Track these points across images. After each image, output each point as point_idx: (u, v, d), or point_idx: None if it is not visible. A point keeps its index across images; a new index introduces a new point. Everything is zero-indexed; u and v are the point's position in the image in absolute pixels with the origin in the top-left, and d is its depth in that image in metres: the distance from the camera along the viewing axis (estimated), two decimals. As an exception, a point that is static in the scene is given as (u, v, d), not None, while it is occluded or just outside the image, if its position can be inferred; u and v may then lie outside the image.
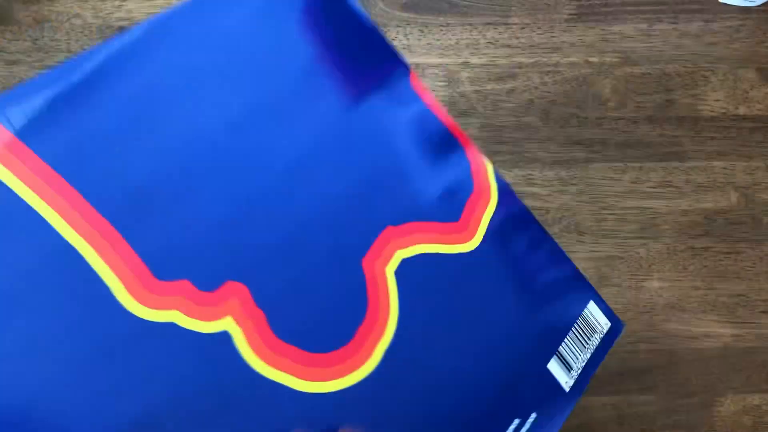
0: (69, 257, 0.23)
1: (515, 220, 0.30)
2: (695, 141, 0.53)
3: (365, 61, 0.28)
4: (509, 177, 0.52)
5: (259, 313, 0.25)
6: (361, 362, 0.26)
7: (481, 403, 0.28)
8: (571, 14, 0.53)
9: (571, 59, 0.53)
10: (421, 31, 0.52)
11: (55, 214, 0.23)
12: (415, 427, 0.27)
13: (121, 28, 0.52)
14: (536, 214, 0.52)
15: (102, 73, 0.24)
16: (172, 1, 0.52)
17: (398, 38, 0.52)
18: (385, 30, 0.52)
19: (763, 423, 0.52)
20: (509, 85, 0.52)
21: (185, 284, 0.24)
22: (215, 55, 0.25)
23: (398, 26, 0.52)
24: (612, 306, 0.52)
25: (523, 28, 0.53)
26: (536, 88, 0.52)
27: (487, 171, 0.30)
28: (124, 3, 0.52)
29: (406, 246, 0.28)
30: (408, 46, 0.52)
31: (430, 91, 0.52)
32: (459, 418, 0.28)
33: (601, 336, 0.32)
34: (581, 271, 0.52)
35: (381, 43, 0.28)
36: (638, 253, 0.52)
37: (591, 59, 0.53)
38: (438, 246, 0.28)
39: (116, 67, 0.24)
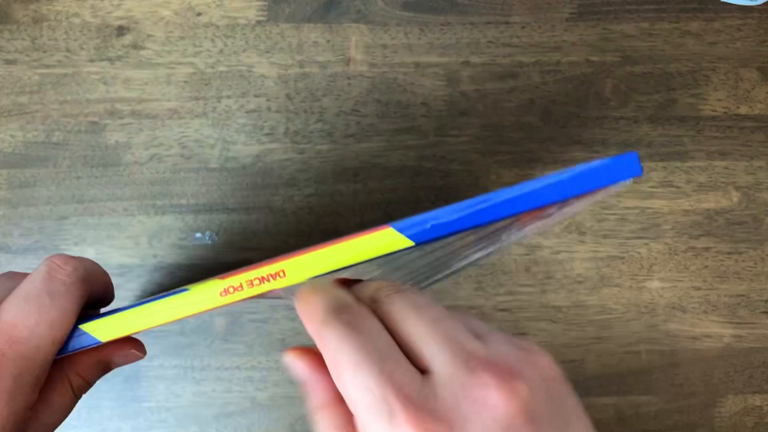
0: None
1: None
2: (696, 140, 0.52)
3: None
4: (509, 177, 0.52)
5: None
6: None
7: None
8: (572, 13, 0.53)
9: (572, 58, 0.52)
10: (422, 30, 0.52)
11: None
12: None
13: (120, 27, 0.52)
14: (537, 214, 0.52)
15: None
16: (171, 0, 0.52)
17: (398, 37, 0.52)
18: (385, 29, 0.52)
19: (764, 423, 0.52)
20: (510, 84, 0.52)
21: None
22: None
23: (398, 25, 0.52)
24: (612, 306, 0.52)
25: (524, 27, 0.52)
26: (537, 87, 0.52)
27: None
28: (122, 2, 0.52)
29: None
30: (408, 45, 0.52)
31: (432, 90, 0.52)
32: None
33: None
34: (582, 271, 0.52)
35: None
36: (639, 254, 0.52)
37: (592, 58, 0.52)
38: None
39: None
